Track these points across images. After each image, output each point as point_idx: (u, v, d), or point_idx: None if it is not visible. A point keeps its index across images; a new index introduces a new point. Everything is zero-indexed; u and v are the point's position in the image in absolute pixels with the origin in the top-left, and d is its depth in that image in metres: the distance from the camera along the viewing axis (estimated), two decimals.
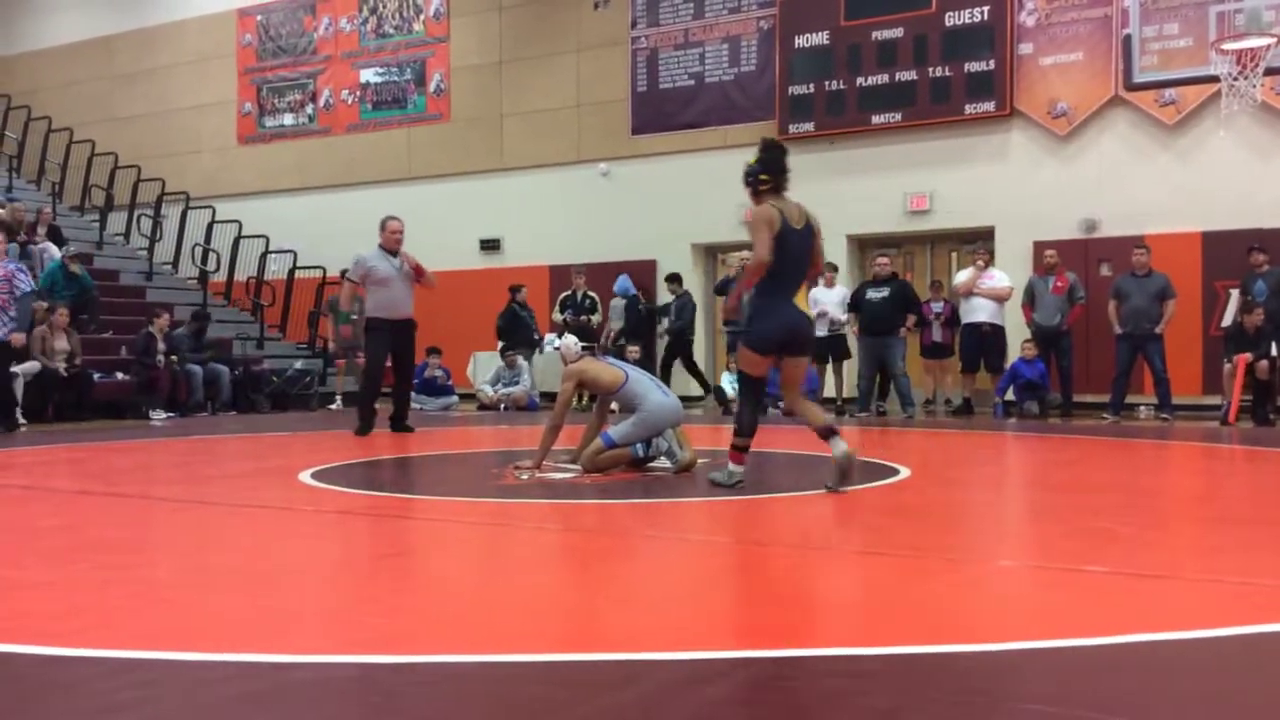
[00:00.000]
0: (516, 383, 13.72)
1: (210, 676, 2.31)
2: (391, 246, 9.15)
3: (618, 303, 14.02)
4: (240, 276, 16.16)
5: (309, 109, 17.49)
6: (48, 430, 10.32)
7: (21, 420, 10.77)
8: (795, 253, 5.40)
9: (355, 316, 9.73)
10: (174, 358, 12.31)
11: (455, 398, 13.88)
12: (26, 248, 13.63)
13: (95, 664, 2.38)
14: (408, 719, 2.04)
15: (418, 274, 9.21)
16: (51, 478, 6.49)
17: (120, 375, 12.50)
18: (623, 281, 14.14)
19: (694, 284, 14.79)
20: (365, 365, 9.40)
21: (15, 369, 10.97)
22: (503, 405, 13.49)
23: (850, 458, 5.17)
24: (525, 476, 5.78)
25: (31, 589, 3.22)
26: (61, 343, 11.60)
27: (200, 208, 16.50)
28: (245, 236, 16.08)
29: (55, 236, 14.53)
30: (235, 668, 2.35)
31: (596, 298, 13.97)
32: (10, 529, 4.47)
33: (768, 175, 5.61)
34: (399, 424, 9.29)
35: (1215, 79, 11.08)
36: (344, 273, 14.17)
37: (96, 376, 12.11)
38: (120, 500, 5.34)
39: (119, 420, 11.65)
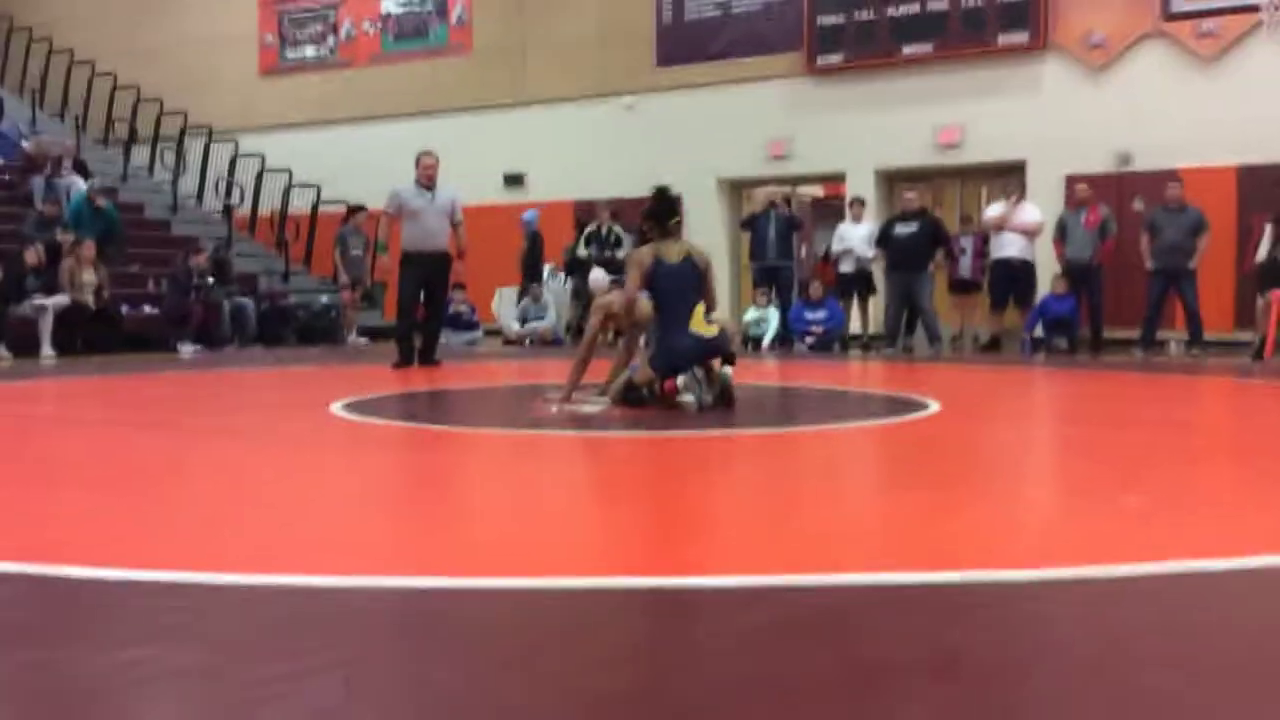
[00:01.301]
0: (541, 317, 13.72)
1: (255, 598, 2.33)
2: (425, 180, 9.23)
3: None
4: (264, 210, 16.15)
5: (330, 41, 17.34)
6: (77, 362, 10.41)
7: (50, 351, 10.87)
8: (672, 286, 5.90)
9: (388, 249, 9.77)
10: (211, 285, 12.38)
11: (480, 333, 13.90)
12: (52, 181, 13.65)
13: (139, 586, 2.40)
14: (446, 641, 2.06)
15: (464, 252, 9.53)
16: (85, 409, 6.55)
17: (148, 308, 12.57)
18: (530, 214, 14.11)
19: (719, 219, 14.70)
20: (398, 297, 9.49)
21: (44, 301, 11.06)
22: (528, 340, 13.51)
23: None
24: (554, 409, 5.79)
25: (69, 517, 3.25)
26: (89, 276, 11.65)
27: (223, 141, 16.45)
28: (268, 170, 16.04)
29: (81, 170, 14.54)
30: (279, 590, 2.37)
31: (622, 233, 13.89)
32: (45, 459, 4.52)
33: (651, 222, 6.15)
34: (426, 357, 9.36)
35: (1255, 8, 10.84)
36: (352, 209, 14.28)
37: (124, 309, 12.18)
38: (153, 430, 5.38)
39: (147, 353, 11.73)
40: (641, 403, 5.84)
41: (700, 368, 5.97)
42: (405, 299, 9.36)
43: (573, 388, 6.01)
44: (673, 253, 6.01)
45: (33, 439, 5.16)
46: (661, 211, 6.15)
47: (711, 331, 5.91)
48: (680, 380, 5.98)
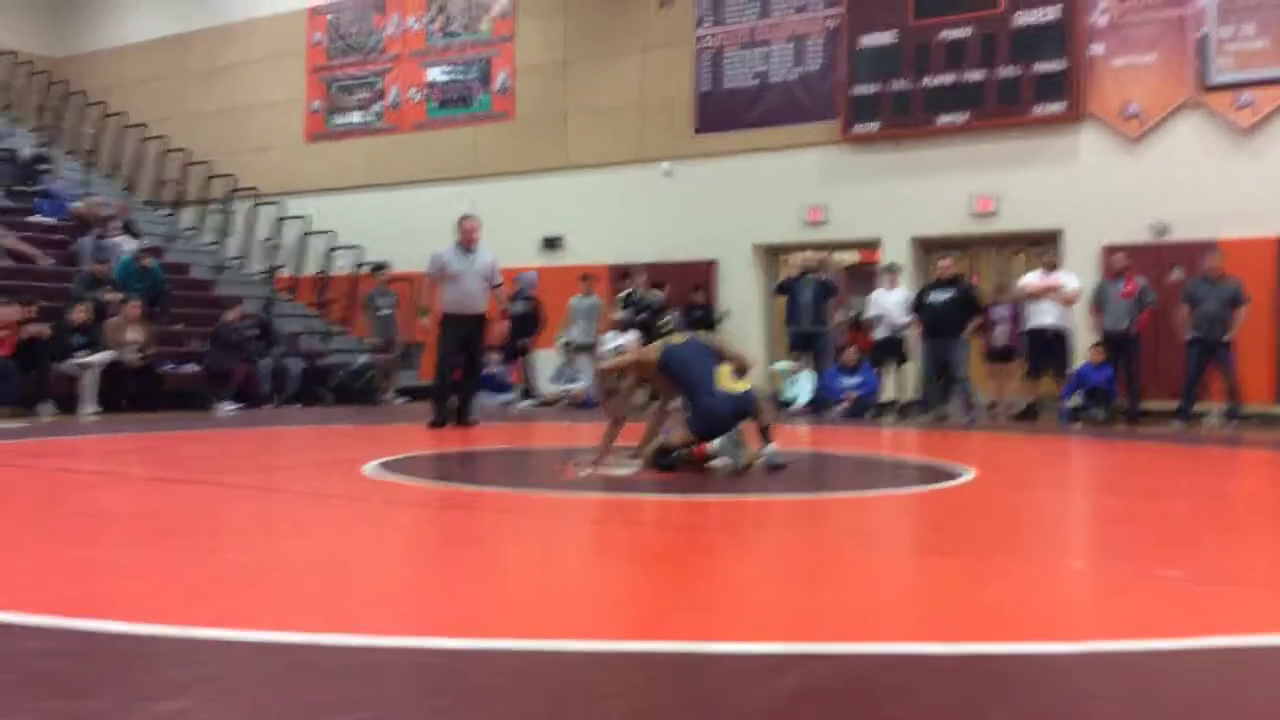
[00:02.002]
0: (576, 380, 13.78)
1: (285, 656, 2.36)
2: (466, 243, 9.42)
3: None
4: (307, 272, 16.41)
5: (377, 107, 17.71)
6: (120, 419, 10.55)
7: (93, 408, 11.04)
8: (686, 356, 6.09)
9: (429, 311, 9.92)
10: (251, 341, 12.59)
11: (514, 394, 13.97)
12: (101, 241, 13.95)
13: (175, 642, 2.44)
14: (474, 701, 2.07)
15: (501, 313, 9.87)
16: (126, 465, 6.65)
17: (190, 366, 12.76)
18: (528, 276, 14.25)
19: (755, 284, 14.77)
20: (437, 358, 9.63)
21: (88, 359, 11.25)
22: (562, 401, 13.56)
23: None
24: (584, 473, 5.81)
25: (112, 569, 3.31)
26: (133, 334, 11.86)
27: (269, 204, 16.79)
28: (312, 233, 16.32)
29: (130, 230, 14.85)
30: (308, 649, 2.40)
31: (654, 298, 13.97)
32: (89, 513, 4.59)
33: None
34: (463, 417, 9.45)
35: None
36: (377, 267, 14.51)
37: (167, 367, 12.37)
38: (194, 486, 5.45)
39: (187, 410, 11.88)
40: (673, 467, 5.86)
41: (736, 431, 6.01)
42: (444, 359, 9.51)
43: (605, 451, 6.04)
44: (677, 339, 6.36)
45: (72, 494, 5.24)
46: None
47: (743, 386, 5.98)
48: (714, 443, 6.01)
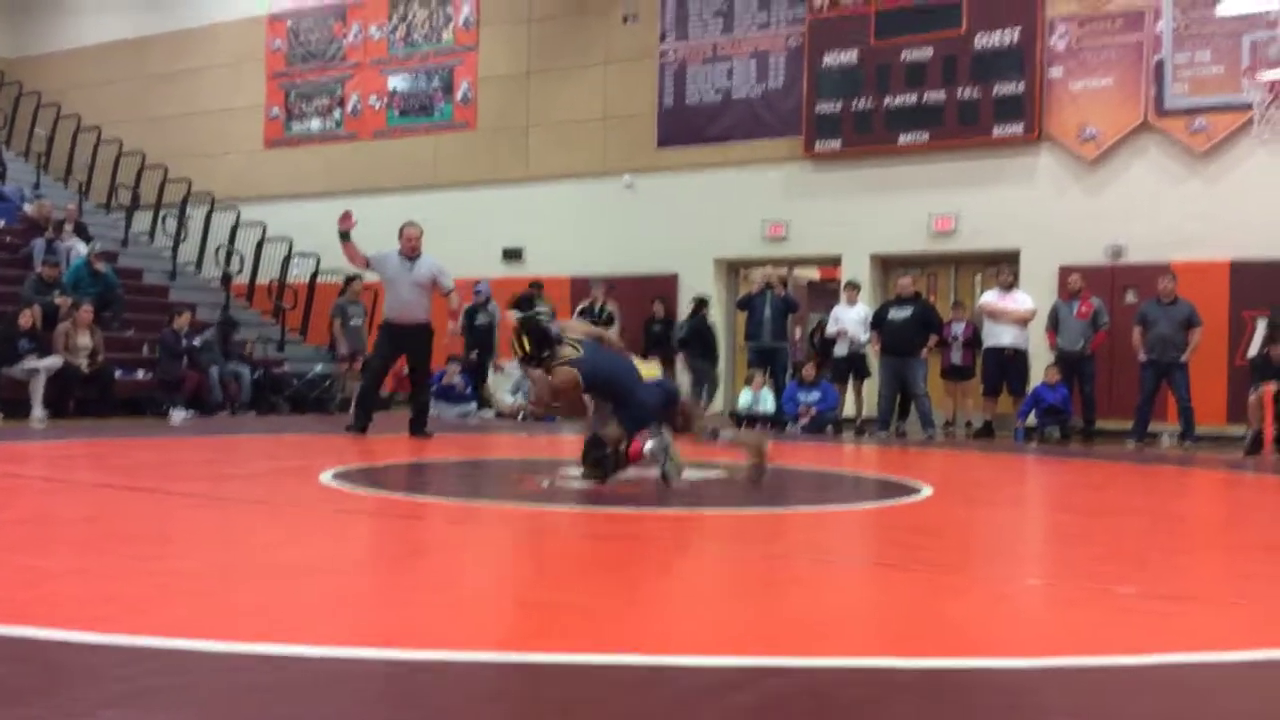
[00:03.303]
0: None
1: (232, 665, 2.31)
2: (407, 252, 9.25)
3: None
4: (263, 279, 16.22)
5: (336, 114, 17.57)
6: (69, 425, 10.36)
7: (41, 413, 10.83)
8: (600, 365, 5.81)
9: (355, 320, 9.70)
10: (199, 352, 12.42)
11: (474, 405, 13.88)
12: (53, 244, 13.72)
13: (121, 651, 2.37)
14: (427, 714, 2.03)
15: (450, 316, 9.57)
16: (75, 471, 6.52)
17: (142, 373, 12.56)
18: (483, 285, 14.25)
19: (716, 298, 14.79)
20: (365, 362, 9.58)
21: (36, 364, 11.04)
22: (521, 414, 13.48)
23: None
24: (545, 484, 5.76)
25: (59, 577, 3.23)
26: (84, 339, 11.66)
27: (225, 210, 16.59)
28: (269, 239, 16.14)
29: (82, 234, 14.62)
30: (255, 659, 2.34)
31: (614, 310, 13.97)
32: (37, 520, 4.48)
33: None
34: (417, 429, 9.32)
35: (1248, 106, 11.05)
36: (349, 279, 14.38)
37: (118, 373, 12.17)
38: (142, 494, 5.35)
39: (139, 417, 11.69)
40: (603, 468, 5.65)
41: (667, 435, 5.83)
42: (372, 365, 9.45)
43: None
44: (573, 352, 5.79)
45: (18, 500, 5.13)
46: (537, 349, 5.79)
47: (657, 373, 6.04)
48: (648, 448, 5.81)
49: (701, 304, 13.56)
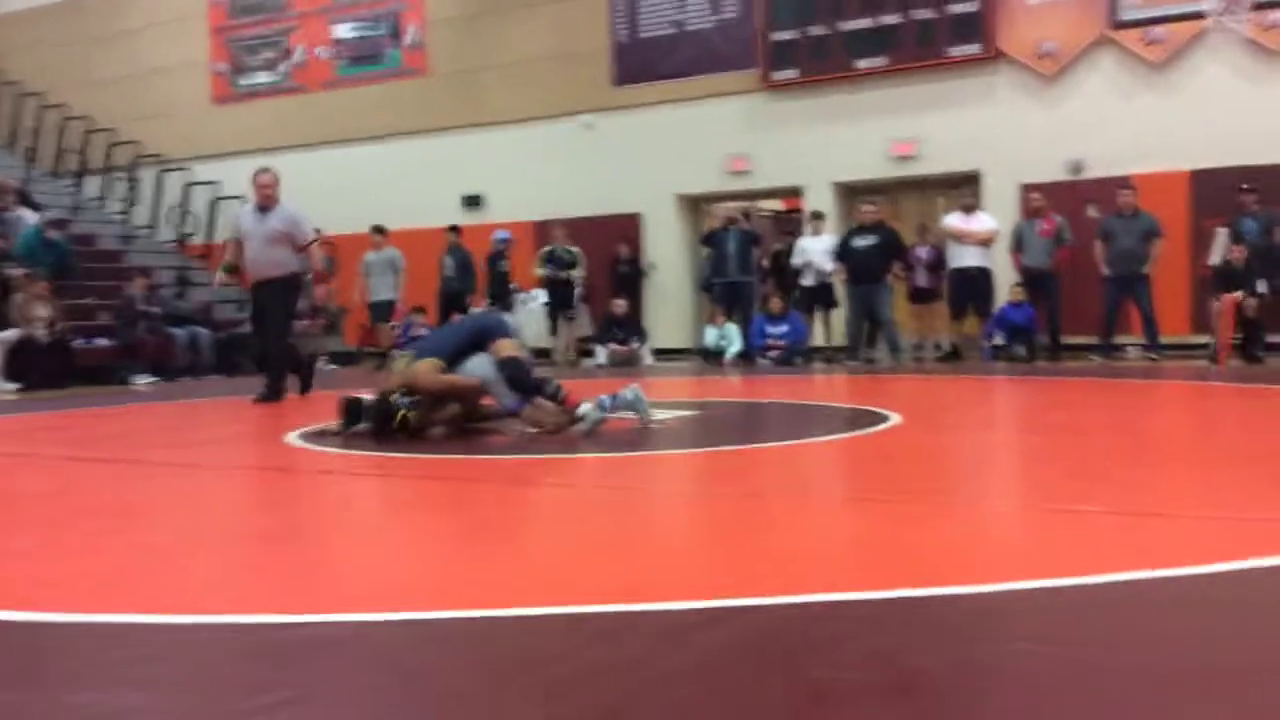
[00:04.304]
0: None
1: (203, 638, 2.28)
2: (260, 201, 8.64)
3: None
4: (220, 239, 15.99)
5: (283, 67, 17.24)
6: (31, 397, 10.23)
7: (9, 385, 10.70)
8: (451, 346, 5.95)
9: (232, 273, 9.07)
10: (156, 317, 12.26)
11: None
12: (2, 215, 13.45)
13: (92, 629, 2.34)
14: (400, 674, 2.01)
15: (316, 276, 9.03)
16: (37, 444, 6.43)
17: (102, 340, 12.41)
18: (503, 234, 14.20)
19: (679, 235, 14.72)
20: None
21: None
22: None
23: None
24: (517, 432, 5.74)
25: (24, 556, 3.17)
26: (42, 310, 11.48)
27: (177, 170, 16.31)
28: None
29: (27, 203, 14.33)
30: (233, 629, 2.31)
31: (578, 252, 13.88)
32: (1, 495, 4.42)
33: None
34: (269, 393, 8.56)
35: (1202, 15, 11.00)
36: (374, 229, 14.22)
37: (78, 342, 12.01)
38: (108, 465, 5.28)
39: (102, 385, 11.56)
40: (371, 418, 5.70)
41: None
42: (253, 330, 9.11)
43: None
44: (422, 368, 5.78)
45: None
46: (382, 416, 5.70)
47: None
48: (629, 394, 5.82)
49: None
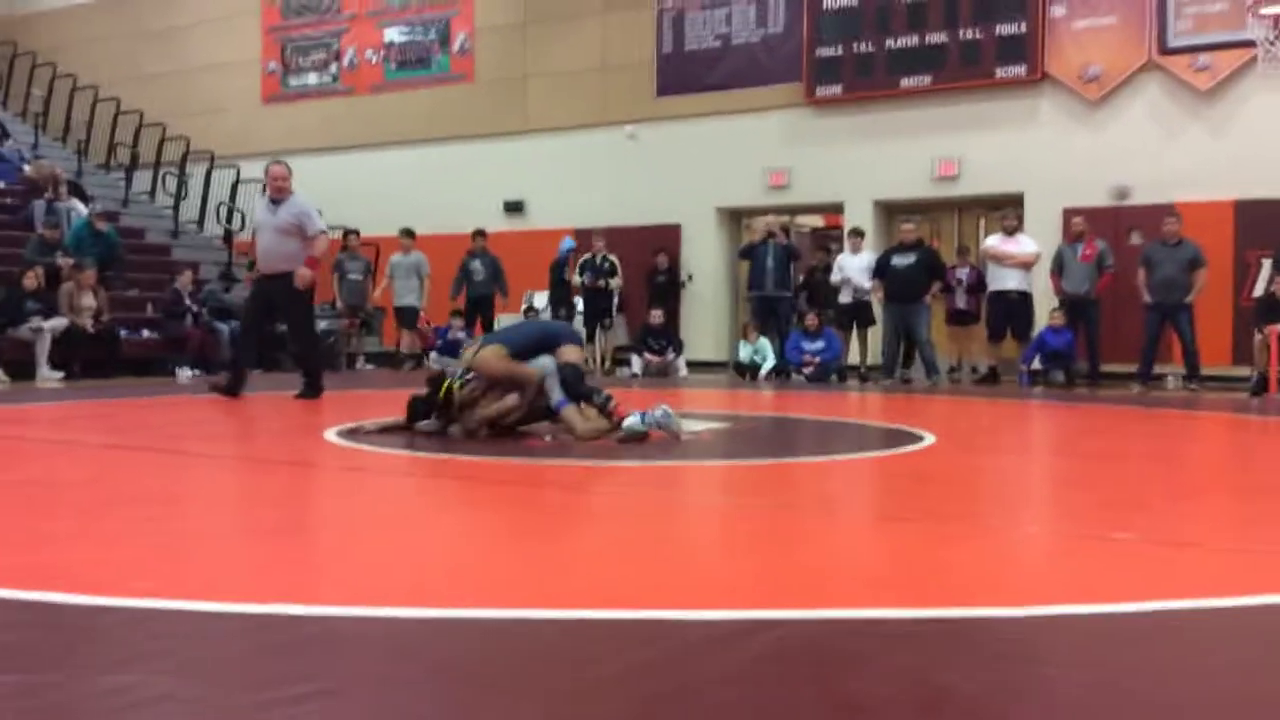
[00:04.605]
0: None
1: (238, 626, 2.32)
2: (272, 194, 8.59)
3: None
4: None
5: (333, 68, 17.44)
6: (75, 386, 10.40)
7: (52, 374, 10.88)
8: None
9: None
10: (203, 311, 12.42)
11: None
12: (53, 205, 13.69)
13: (125, 612, 2.39)
14: (431, 670, 2.04)
15: (308, 261, 8.57)
16: (81, 432, 6.54)
17: (146, 332, 12.58)
18: (568, 242, 14.23)
19: (719, 247, 14.74)
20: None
21: (42, 324, 11.06)
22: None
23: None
24: (548, 438, 5.77)
25: (64, 540, 3.25)
26: (88, 300, 11.67)
27: (225, 167, 16.51)
28: None
29: (78, 194, 14.58)
30: (262, 619, 2.36)
31: (616, 261, 13.94)
32: (42, 482, 4.51)
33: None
34: (307, 391, 8.57)
35: (1251, 44, 10.91)
36: (347, 233, 14.38)
37: (123, 333, 12.19)
38: (149, 455, 5.37)
39: (146, 377, 11.72)
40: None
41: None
42: (242, 321, 9.01)
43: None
44: (487, 353, 5.97)
45: (23, 462, 5.15)
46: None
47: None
48: (658, 413, 5.90)
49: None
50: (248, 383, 8.74)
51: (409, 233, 14.21)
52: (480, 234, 14.13)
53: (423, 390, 6.08)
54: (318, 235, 8.61)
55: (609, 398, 5.94)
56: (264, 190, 8.88)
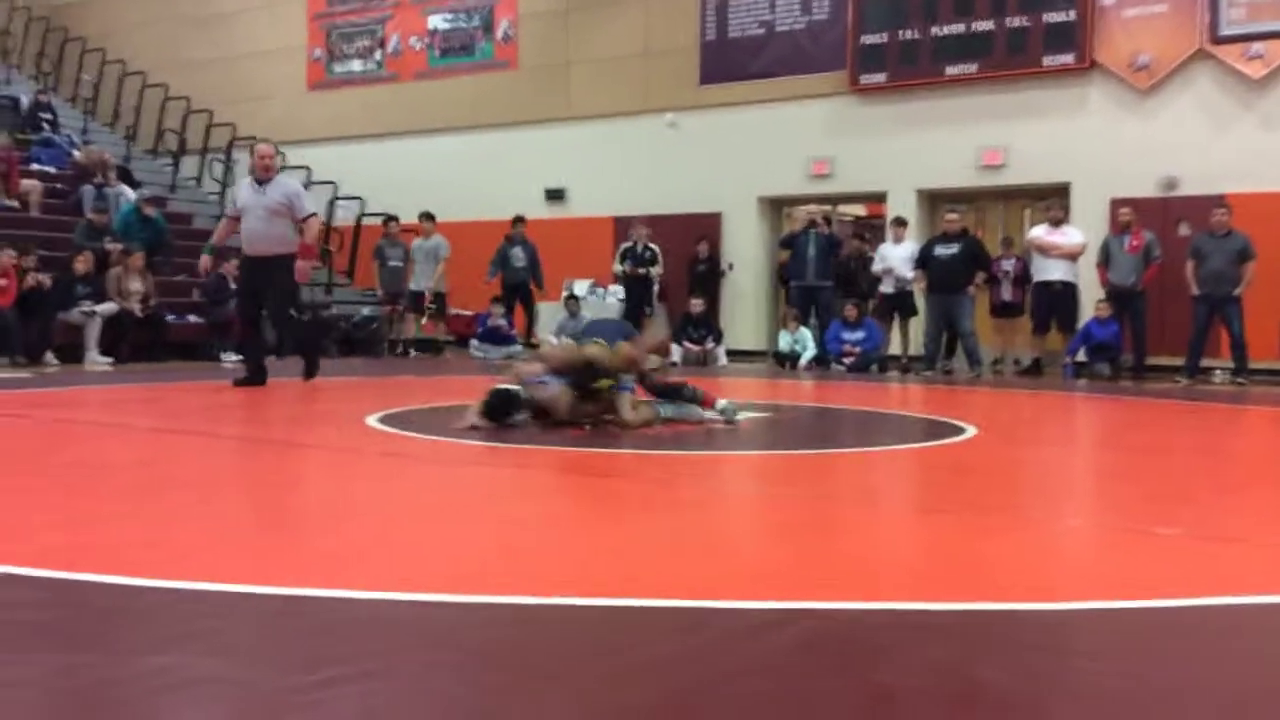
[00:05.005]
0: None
1: (279, 609, 2.36)
2: (260, 173, 8.41)
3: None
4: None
5: (377, 55, 17.53)
6: (123, 370, 10.55)
7: (101, 358, 11.05)
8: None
9: (214, 250, 9.04)
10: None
11: (519, 346, 13.94)
12: (102, 190, 13.88)
13: (169, 594, 2.43)
14: (474, 656, 2.06)
15: (304, 250, 8.48)
16: (129, 415, 6.64)
17: (193, 317, 12.74)
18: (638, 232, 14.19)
19: (760, 237, 14.69)
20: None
21: (92, 309, 11.24)
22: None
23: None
24: (587, 426, 5.79)
25: (110, 521, 3.30)
26: (136, 284, 11.83)
27: None
28: (314, 183, 16.22)
29: (126, 179, 14.77)
30: (302, 601, 2.39)
31: (657, 250, 13.93)
32: (89, 464, 4.59)
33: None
34: (309, 371, 8.69)
35: None
36: (388, 219, 14.43)
37: (170, 318, 12.35)
38: (194, 438, 5.45)
39: (191, 361, 11.88)
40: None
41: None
42: (238, 308, 8.89)
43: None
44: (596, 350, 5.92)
45: (70, 444, 5.24)
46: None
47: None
48: (720, 405, 6.08)
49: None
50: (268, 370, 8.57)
51: (429, 216, 14.27)
52: (520, 220, 14.14)
53: (506, 383, 5.95)
54: (310, 218, 8.43)
55: (695, 390, 6.21)
56: (250, 171, 8.69)
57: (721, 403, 6.12)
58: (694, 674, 1.95)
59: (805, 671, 1.97)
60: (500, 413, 5.73)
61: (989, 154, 13.11)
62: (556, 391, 5.72)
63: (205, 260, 9.20)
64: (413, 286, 14.20)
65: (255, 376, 8.39)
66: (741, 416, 6.14)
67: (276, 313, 8.72)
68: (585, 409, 5.81)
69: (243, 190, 8.52)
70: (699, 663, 2.01)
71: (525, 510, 3.73)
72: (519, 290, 13.96)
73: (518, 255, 13.97)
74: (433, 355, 14.18)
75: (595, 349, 5.87)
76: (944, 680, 1.93)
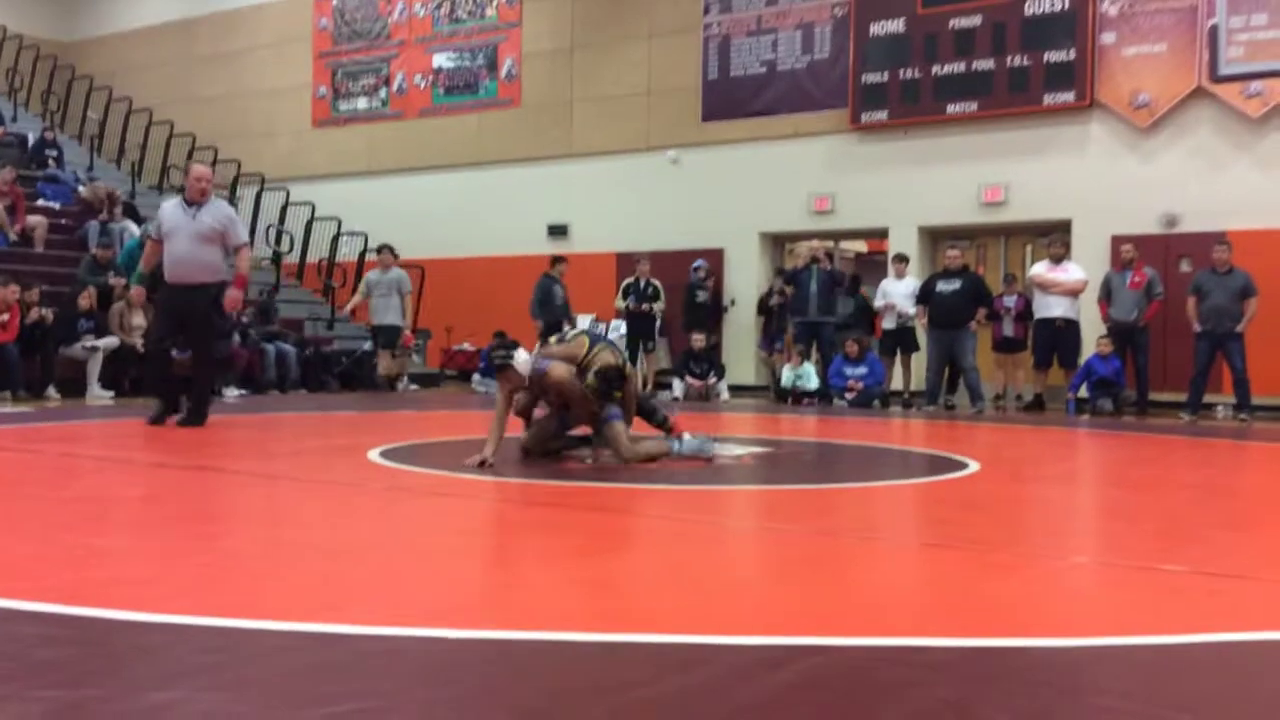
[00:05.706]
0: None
1: (283, 645, 2.35)
2: (193, 196, 7.68)
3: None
4: (312, 258, 16.40)
5: (382, 93, 17.67)
6: (125, 404, 10.55)
7: (103, 392, 11.05)
8: None
9: (143, 278, 8.47)
10: (251, 332, 12.58)
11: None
12: (107, 226, 13.94)
13: (174, 629, 2.42)
14: (476, 692, 2.05)
15: (238, 280, 7.86)
16: (131, 450, 6.64)
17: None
18: (699, 263, 14.17)
19: (762, 273, 14.74)
20: (148, 335, 8.35)
21: (94, 343, 11.26)
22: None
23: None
24: (587, 459, 5.78)
25: (113, 556, 3.30)
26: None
27: (275, 189, 16.77)
28: (318, 219, 16.30)
29: (131, 214, 14.84)
30: (306, 637, 2.38)
31: (659, 285, 13.97)
32: (93, 499, 4.58)
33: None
34: (192, 417, 7.70)
35: None
36: (382, 249, 14.35)
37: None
38: (198, 473, 5.44)
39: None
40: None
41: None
42: (152, 337, 8.15)
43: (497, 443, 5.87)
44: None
45: (74, 479, 5.24)
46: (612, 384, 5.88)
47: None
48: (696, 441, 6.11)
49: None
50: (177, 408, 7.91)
51: (389, 249, 13.77)
52: (561, 260, 13.63)
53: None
54: (243, 247, 7.85)
55: (665, 417, 6.24)
56: (182, 192, 8.00)
57: (687, 437, 6.09)
58: (696, 712, 1.94)
59: (809, 710, 1.96)
60: (614, 387, 5.77)
61: (990, 191, 13.18)
62: (561, 371, 5.74)
63: (137, 291, 8.62)
64: (376, 321, 13.70)
65: (168, 410, 7.81)
66: (712, 450, 6.08)
67: (198, 345, 7.93)
68: (576, 414, 5.91)
69: (168, 211, 7.74)
70: (701, 700, 2.00)
71: (525, 545, 3.72)
72: (554, 330, 13.82)
73: (559, 293, 13.89)
74: (436, 388, 14.15)
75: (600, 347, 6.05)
76: (949, 718, 1.92)
